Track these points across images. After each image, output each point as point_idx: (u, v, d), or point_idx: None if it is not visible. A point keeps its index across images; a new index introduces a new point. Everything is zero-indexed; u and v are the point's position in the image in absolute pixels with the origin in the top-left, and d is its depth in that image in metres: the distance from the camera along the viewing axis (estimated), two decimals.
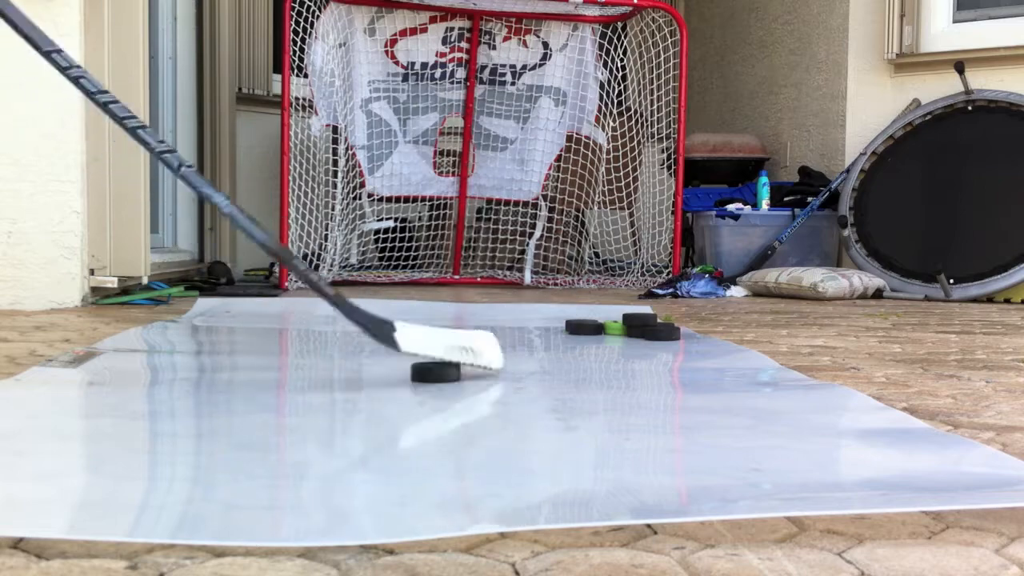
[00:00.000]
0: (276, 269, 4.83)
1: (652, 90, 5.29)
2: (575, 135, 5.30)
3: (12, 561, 0.83)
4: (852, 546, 0.91)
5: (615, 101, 5.33)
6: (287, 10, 4.74)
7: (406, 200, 5.29)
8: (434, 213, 5.34)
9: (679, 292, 4.52)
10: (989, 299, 4.58)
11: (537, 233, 5.24)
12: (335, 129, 4.97)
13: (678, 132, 5.20)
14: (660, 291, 4.53)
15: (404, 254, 5.29)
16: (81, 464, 1.25)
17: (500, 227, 5.38)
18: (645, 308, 3.46)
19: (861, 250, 4.97)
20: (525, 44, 5.26)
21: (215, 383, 1.88)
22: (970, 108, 4.97)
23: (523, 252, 5.21)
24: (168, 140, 4.88)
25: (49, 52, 1.72)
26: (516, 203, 5.34)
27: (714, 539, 0.91)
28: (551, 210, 5.34)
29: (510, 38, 5.24)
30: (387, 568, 0.83)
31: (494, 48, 5.25)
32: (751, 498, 1.06)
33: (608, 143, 5.34)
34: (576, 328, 2.70)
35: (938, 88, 5.12)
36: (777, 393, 1.83)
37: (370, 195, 5.16)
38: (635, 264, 5.40)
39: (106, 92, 1.75)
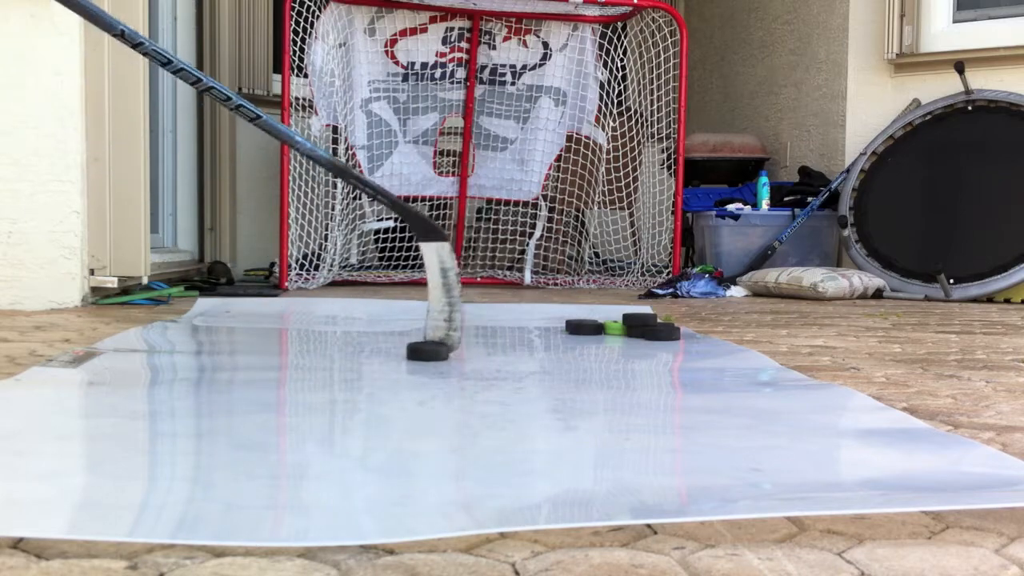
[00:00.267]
0: (276, 269, 4.83)
1: (652, 90, 5.29)
2: (575, 135, 5.30)
3: (12, 561, 0.83)
4: (852, 546, 0.91)
5: (615, 101, 5.33)
6: (287, 10, 4.74)
7: (406, 200, 5.29)
8: (434, 213, 5.34)
9: (679, 292, 4.52)
10: (989, 299, 4.58)
11: (537, 233, 5.24)
12: (335, 129, 4.97)
13: (678, 132, 5.20)
14: (660, 291, 4.53)
15: (404, 254, 5.29)
16: (81, 464, 1.24)
17: (500, 227, 5.38)
18: (645, 308, 3.46)
19: (861, 250, 4.97)
20: (525, 44, 5.26)
21: (215, 383, 1.88)
22: (970, 108, 4.97)
23: (523, 252, 5.21)
24: (168, 140, 4.88)
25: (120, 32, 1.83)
26: (516, 203, 5.34)
27: (714, 539, 0.91)
28: (551, 210, 5.34)
29: (510, 38, 5.24)
30: (387, 568, 0.83)
31: (494, 48, 5.25)
32: (751, 498, 1.06)
33: (608, 143, 5.34)
34: (576, 328, 2.70)
35: (938, 88, 5.12)
36: (777, 393, 1.83)
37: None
38: (635, 264, 5.40)
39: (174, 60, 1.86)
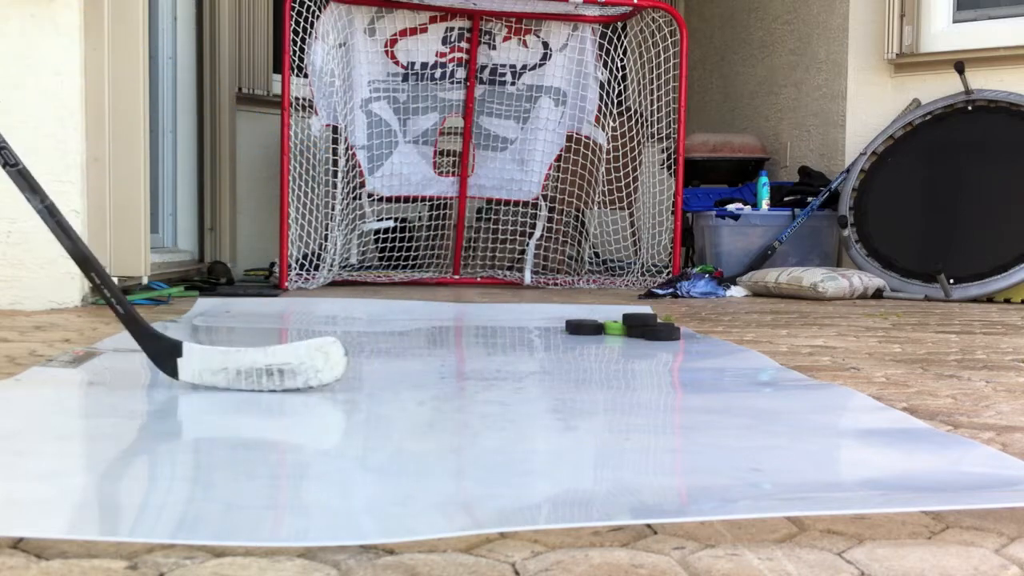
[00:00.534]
0: (276, 269, 4.83)
1: (652, 90, 5.29)
2: (575, 135, 5.30)
3: (12, 561, 0.83)
4: (852, 546, 0.91)
5: (615, 101, 5.33)
6: (287, 10, 4.74)
7: (406, 200, 5.29)
8: (434, 213, 5.34)
9: (679, 292, 4.52)
10: (989, 299, 4.58)
11: (537, 233, 5.24)
12: (335, 129, 4.97)
13: (678, 132, 5.20)
14: (660, 291, 4.53)
15: (404, 254, 5.29)
16: (81, 464, 1.25)
17: (500, 227, 5.38)
18: (645, 308, 3.46)
19: (861, 250, 4.97)
20: (525, 44, 5.26)
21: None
22: (970, 108, 4.97)
23: (523, 252, 5.21)
24: (168, 140, 4.89)
25: None
26: (516, 203, 5.34)
27: (714, 539, 0.91)
28: (551, 210, 5.34)
29: (510, 38, 5.24)
30: (387, 568, 0.83)
31: (494, 48, 5.25)
32: (751, 498, 1.06)
33: (608, 143, 5.34)
34: (576, 328, 2.70)
35: (938, 88, 5.12)
36: (777, 393, 1.83)
37: (370, 195, 5.16)
38: (635, 264, 5.40)
39: None
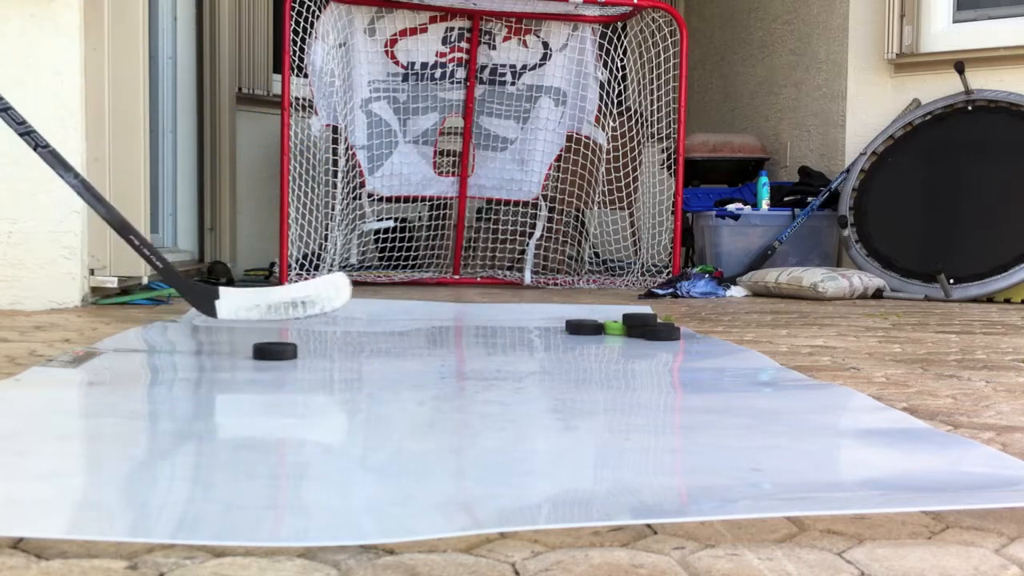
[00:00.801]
0: (276, 269, 4.83)
1: (652, 90, 5.29)
2: (575, 135, 5.30)
3: (12, 561, 0.83)
4: (852, 546, 0.91)
5: (615, 101, 5.33)
6: (287, 10, 4.74)
7: (406, 200, 5.29)
8: (434, 213, 5.34)
9: (679, 292, 4.52)
10: (989, 299, 4.58)
11: (537, 233, 5.24)
12: (335, 129, 4.97)
13: (678, 132, 5.20)
14: (660, 291, 4.53)
15: (404, 254, 5.29)
16: (81, 464, 1.25)
17: (500, 227, 5.38)
18: (645, 308, 3.46)
19: (861, 250, 4.97)
20: (525, 44, 5.26)
21: (215, 383, 1.88)
22: (970, 108, 4.97)
23: (523, 252, 5.21)
24: (168, 140, 4.89)
25: None
26: (516, 203, 5.34)
27: (714, 539, 0.91)
28: (551, 210, 5.34)
29: (510, 38, 5.24)
30: (387, 568, 0.83)
31: (494, 48, 5.25)
32: (751, 498, 1.06)
33: (608, 143, 5.34)
34: (576, 328, 2.70)
35: (938, 88, 5.12)
36: (777, 393, 1.83)
37: (370, 195, 5.16)
38: (635, 264, 5.40)
39: None
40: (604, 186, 5.36)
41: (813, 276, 4.47)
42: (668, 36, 5.19)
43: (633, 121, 5.42)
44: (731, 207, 5.33)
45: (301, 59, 4.84)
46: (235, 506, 1.00)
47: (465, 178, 5.29)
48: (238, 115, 5.35)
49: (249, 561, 0.84)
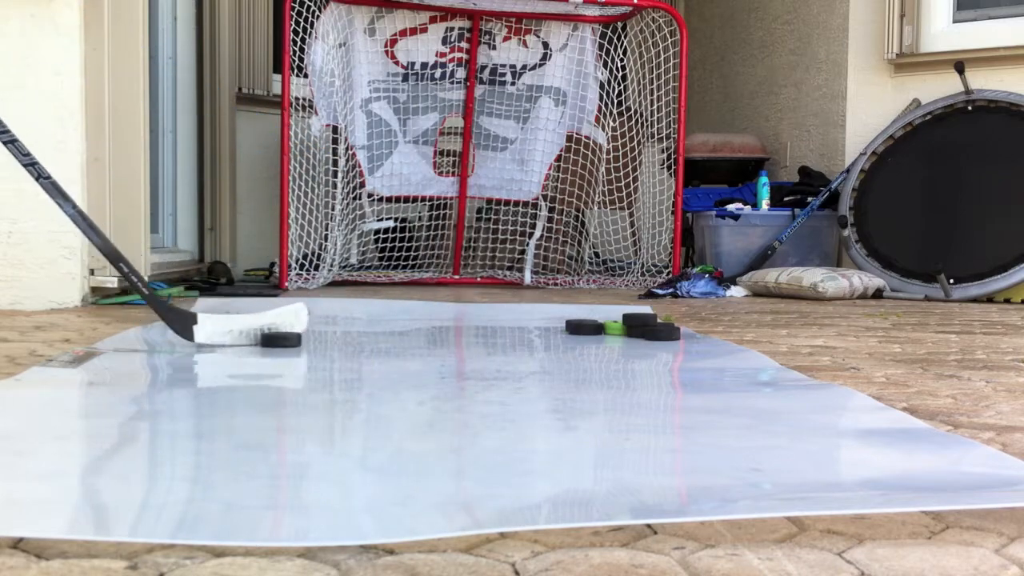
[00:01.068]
0: (276, 269, 4.83)
1: (652, 90, 5.29)
2: (575, 135, 5.30)
3: (12, 561, 0.83)
4: (852, 546, 0.91)
5: (615, 101, 5.33)
6: (287, 10, 4.74)
7: (406, 200, 5.29)
8: (434, 213, 5.34)
9: (679, 292, 4.52)
10: (989, 299, 4.58)
11: (537, 233, 5.23)
12: (335, 129, 4.97)
13: (678, 132, 5.20)
14: (660, 291, 4.53)
15: (404, 254, 5.29)
16: (81, 464, 1.25)
17: (500, 227, 5.38)
18: (645, 308, 3.46)
19: (861, 250, 4.97)
20: (525, 44, 5.26)
21: (215, 383, 1.88)
22: (970, 108, 4.97)
23: (523, 252, 5.21)
24: (168, 140, 4.89)
25: None
26: (516, 203, 5.34)
27: (714, 539, 0.91)
28: (551, 210, 5.34)
29: (510, 38, 5.24)
30: (387, 568, 0.83)
31: (494, 48, 5.25)
32: (751, 498, 1.06)
33: (608, 143, 5.33)
34: (576, 328, 2.70)
35: (938, 88, 5.12)
36: (777, 393, 1.83)
37: (370, 195, 5.16)
38: (635, 264, 5.40)
39: None
40: (604, 186, 5.36)
41: (813, 276, 4.47)
42: (668, 36, 5.19)
43: (633, 121, 5.42)
44: (731, 207, 5.33)
45: (301, 59, 4.84)
46: (235, 506, 1.00)
47: (465, 178, 5.29)
48: (238, 115, 5.35)
49: (249, 561, 0.84)
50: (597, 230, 5.53)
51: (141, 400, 1.69)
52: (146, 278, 3.57)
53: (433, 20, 5.14)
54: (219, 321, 2.29)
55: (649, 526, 0.94)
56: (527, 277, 5.01)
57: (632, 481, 1.15)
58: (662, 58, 5.21)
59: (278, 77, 5.34)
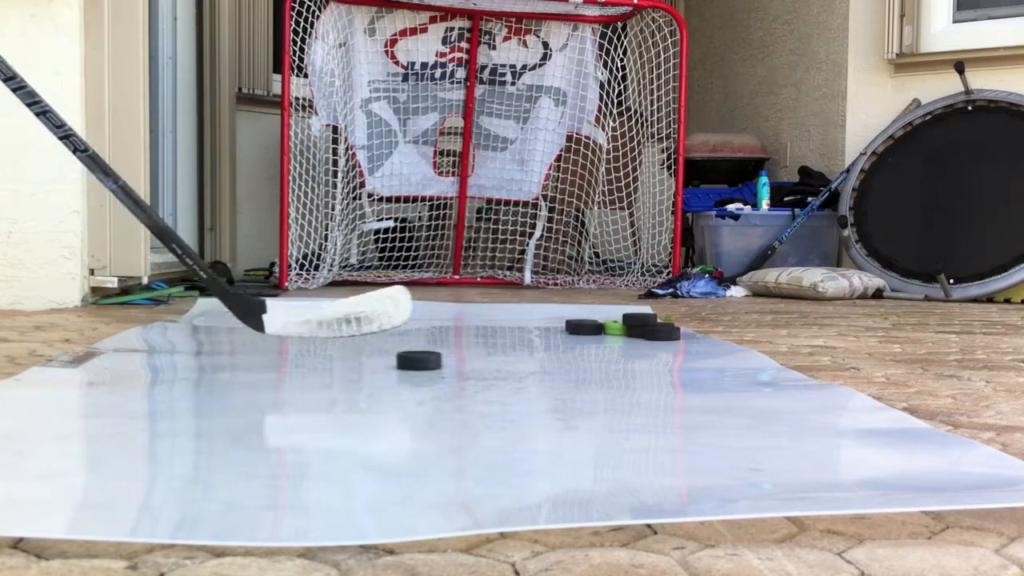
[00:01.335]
0: (276, 269, 4.82)
1: (652, 90, 5.29)
2: (575, 135, 5.30)
3: (12, 561, 0.83)
4: (852, 546, 0.91)
5: (615, 101, 5.33)
6: (287, 10, 4.74)
7: (406, 200, 5.29)
8: (434, 213, 5.34)
9: (679, 292, 4.52)
10: (989, 299, 4.58)
11: (537, 233, 5.23)
12: (335, 129, 4.97)
13: (678, 132, 5.20)
14: (660, 291, 4.53)
15: (404, 254, 5.29)
16: (81, 464, 1.24)
17: (500, 227, 5.38)
18: (645, 308, 3.46)
19: (861, 250, 4.97)
20: (525, 44, 5.26)
21: (215, 383, 1.88)
22: (970, 108, 4.97)
23: (523, 252, 5.21)
24: (168, 140, 4.88)
25: None
26: (516, 203, 5.34)
27: (714, 539, 0.91)
28: (551, 210, 5.34)
29: (510, 38, 5.24)
30: (387, 568, 0.83)
31: (494, 48, 5.25)
32: (751, 498, 1.06)
33: (608, 143, 5.33)
34: (576, 328, 2.70)
35: (938, 88, 5.12)
36: (777, 393, 1.83)
37: (370, 195, 5.16)
38: (635, 264, 5.40)
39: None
40: (604, 186, 5.36)
41: (813, 276, 4.47)
42: (668, 36, 5.19)
43: (633, 121, 5.42)
44: (731, 207, 5.33)
45: (301, 59, 4.84)
46: (235, 506, 1.00)
47: (465, 178, 5.29)
48: (238, 115, 5.35)
49: (249, 561, 0.84)
50: (597, 230, 5.54)
51: (141, 400, 1.69)
52: (145, 279, 3.57)
53: (433, 20, 5.14)
54: (292, 310, 1.93)
55: (649, 526, 0.94)
56: (527, 277, 5.01)
57: (632, 481, 1.15)
58: (662, 58, 5.21)
59: (278, 77, 5.34)
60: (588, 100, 5.28)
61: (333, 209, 4.97)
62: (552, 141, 5.28)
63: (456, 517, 0.98)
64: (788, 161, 5.92)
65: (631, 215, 5.52)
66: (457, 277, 5.24)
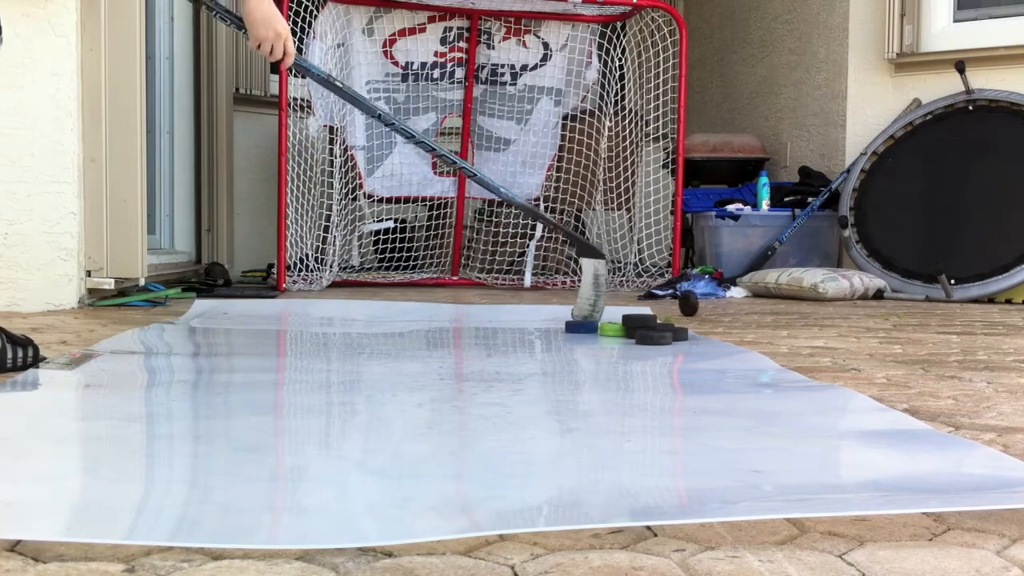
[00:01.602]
0: (274, 271, 4.82)
1: (651, 90, 5.28)
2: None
3: (9, 564, 0.83)
4: (853, 548, 0.90)
5: (614, 101, 5.33)
6: (284, 10, 4.73)
7: (405, 201, 5.29)
8: (433, 214, 5.34)
9: (679, 293, 4.51)
10: (990, 299, 4.57)
11: (537, 234, 5.23)
12: (332, 130, 4.97)
13: (678, 132, 5.20)
14: (660, 292, 4.53)
15: (403, 255, 5.29)
16: (78, 467, 1.24)
17: (499, 228, 5.37)
18: (645, 309, 3.45)
19: (862, 250, 4.96)
20: (524, 44, 5.26)
21: (212, 385, 1.87)
22: (971, 108, 4.97)
23: (522, 253, 5.21)
24: (165, 140, 4.88)
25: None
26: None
27: (714, 541, 0.91)
28: (551, 210, 5.33)
29: (509, 38, 5.24)
30: (386, 571, 0.82)
31: (493, 48, 5.24)
32: (751, 500, 1.05)
33: (607, 134, 5.32)
34: (576, 329, 2.70)
35: (939, 88, 5.11)
36: (777, 394, 1.83)
37: (369, 196, 5.15)
38: (635, 264, 5.40)
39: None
40: (604, 186, 5.36)
41: (813, 277, 4.46)
42: (667, 36, 5.19)
43: (631, 121, 5.41)
44: (731, 207, 5.32)
45: None
46: (233, 509, 0.99)
47: (464, 179, 5.28)
48: (235, 115, 5.35)
49: (247, 564, 0.83)
50: (597, 230, 5.53)
51: (138, 402, 1.68)
52: (142, 281, 3.57)
53: (431, 20, 5.14)
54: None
55: (649, 528, 0.94)
56: (527, 280, 5.01)
57: (632, 483, 1.14)
58: (661, 58, 5.21)
59: (275, 77, 5.33)
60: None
61: (331, 210, 4.96)
62: (552, 142, 5.28)
63: (455, 519, 0.97)
64: (788, 161, 5.91)
65: (631, 215, 5.52)
66: (456, 278, 5.24)
